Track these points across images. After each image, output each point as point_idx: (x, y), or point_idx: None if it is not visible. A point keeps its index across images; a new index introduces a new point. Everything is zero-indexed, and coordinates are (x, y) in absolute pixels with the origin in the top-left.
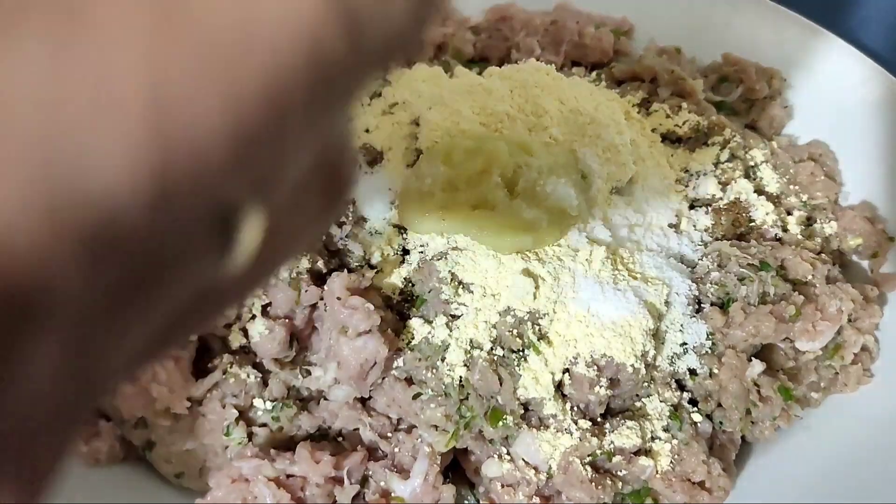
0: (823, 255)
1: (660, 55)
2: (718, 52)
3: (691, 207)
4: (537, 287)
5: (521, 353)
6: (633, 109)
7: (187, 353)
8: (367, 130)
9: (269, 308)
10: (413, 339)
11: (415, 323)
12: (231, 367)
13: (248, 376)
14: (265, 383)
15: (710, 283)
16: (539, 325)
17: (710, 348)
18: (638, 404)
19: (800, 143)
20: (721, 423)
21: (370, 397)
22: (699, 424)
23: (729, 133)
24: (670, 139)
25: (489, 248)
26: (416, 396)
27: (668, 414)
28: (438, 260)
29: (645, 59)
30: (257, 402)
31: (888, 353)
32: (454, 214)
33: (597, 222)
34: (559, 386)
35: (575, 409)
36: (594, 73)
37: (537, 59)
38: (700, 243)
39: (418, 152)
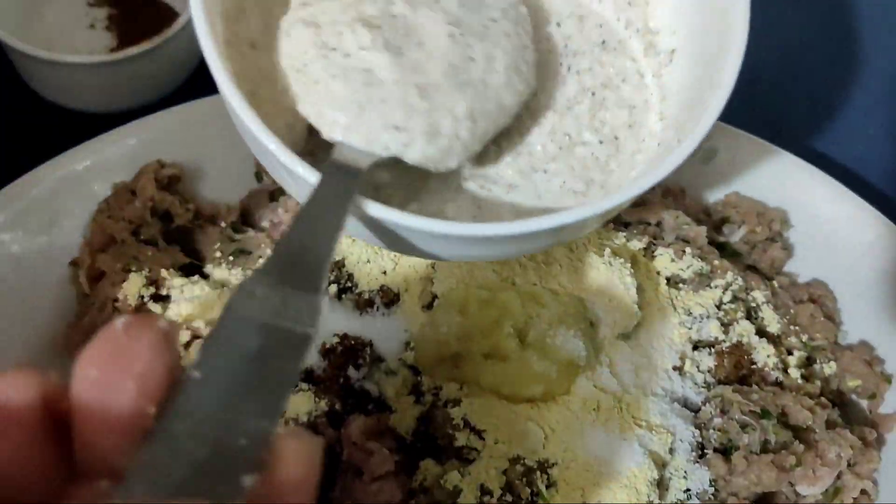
0: (823, 397)
1: (665, 196)
2: (722, 189)
3: (694, 348)
4: (546, 437)
5: (529, 500)
6: (640, 253)
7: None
8: (384, 272)
9: None
10: (425, 480)
11: (427, 463)
12: None
13: None
14: None
15: (713, 430)
16: (548, 473)
17: (713, 495)
18: None
19: (800, 280)
20: None
21: None
22: None
23: (731, 276)
24: (674, 282)
25: (501, 398)
26: None
27: None
28: (453, 407)
29: (651, 202)
30: None
31: (887, 495)
32: (468, 363)
33: (604, 369)
34: None
35: None
36: None
37: None
38: (703, 385)
39: (433, 295)
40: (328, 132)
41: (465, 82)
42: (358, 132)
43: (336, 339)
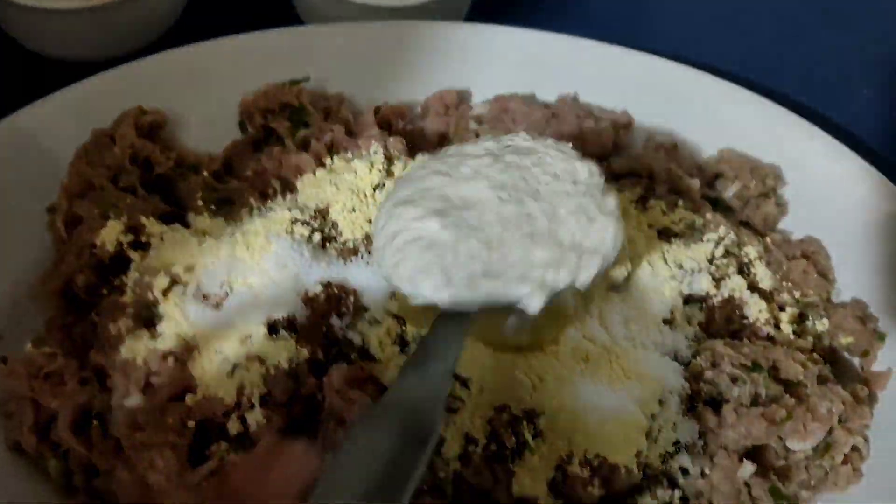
0: (815, 353)
1: (657, 151)
2: (715, 145)
3: (685, 303)
4: (534, 386)
5: (515, 450)
6: (631, 205)
7: (184, 440)
8: (369, 221)
9: (267, 397)
10: None
11: None
12: (228, 456)
13: None
14: None
15: (704, 382)
16: (535, 423)
17: (702, 448)
18: (630, 502)
19: (793, 238)
20: None
21: None
22: None
23: (723, 230)
24: (666, 235)
25: (487, 346)
26: None
27: None
28: None
29: (644, 155)
30: None
31: (878, 453)
32: None
33: (593, 320)
34: (552, 484)
35: None
36: None
37: None
38: (694, 339)
39: None
40: (424, 295)
41: (531, 234)
42: (446, 290)
43: (319, 287)
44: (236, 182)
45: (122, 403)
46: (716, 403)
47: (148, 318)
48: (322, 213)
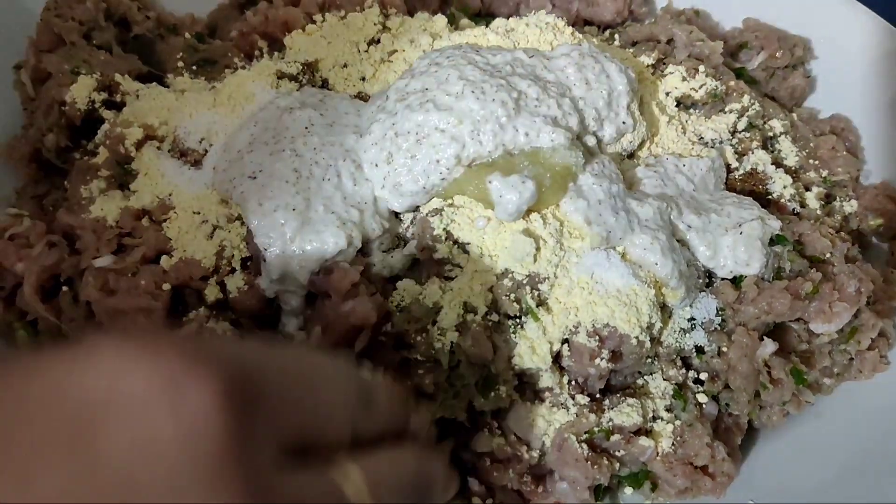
0: (843, 233)
1: (678, 17)
2: (739, 18)
3: None
4: (538, 249)
5: (517, 320)
6: (647, 70)
7: (160, 304)
8: (362, 79)
9: (249, 262)
10: (403, 300)
11: (405, 283)
12: (207, 323)
13: (225, 333)
14: None
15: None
16: (538, 289)
17: (719, 325)
18: (640, 382)
19: (821, 117)
20: (728, 405)
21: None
22: (704, 406)
23: (747, 100)
24: (685, 104)
25: (487, 207)
26: (403, 362)
27: (671, 393)
28: (433, 216)
29: (662, 19)
30: None
31: None
32: None
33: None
34: (557, 357)
35: (573, 382)
36: (607, 33)
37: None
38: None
39: None
40: None
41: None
42: None
43: None
44: (220, 43)
45: (92, 264)
46: (735, 280)
47: (122, 181)
48: (311, 68)
